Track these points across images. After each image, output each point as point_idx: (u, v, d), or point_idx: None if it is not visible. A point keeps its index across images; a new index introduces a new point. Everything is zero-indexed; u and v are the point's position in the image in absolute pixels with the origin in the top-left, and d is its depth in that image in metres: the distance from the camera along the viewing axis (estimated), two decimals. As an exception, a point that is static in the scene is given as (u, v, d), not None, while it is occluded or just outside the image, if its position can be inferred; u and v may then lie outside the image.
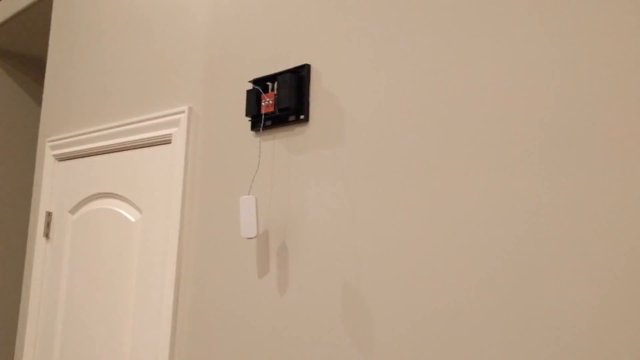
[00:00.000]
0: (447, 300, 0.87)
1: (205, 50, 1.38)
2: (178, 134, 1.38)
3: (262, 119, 1.19)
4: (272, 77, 1.19)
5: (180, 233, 1.34)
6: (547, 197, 0.79)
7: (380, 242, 0.97)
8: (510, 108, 0.84)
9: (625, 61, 0.75)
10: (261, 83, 1.20)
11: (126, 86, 1.63)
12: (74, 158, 1.83)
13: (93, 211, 1.69)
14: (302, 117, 1.13)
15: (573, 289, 0.75)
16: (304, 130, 1.13)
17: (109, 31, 1.75)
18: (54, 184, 1.92)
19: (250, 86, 1.26)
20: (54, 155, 1.91)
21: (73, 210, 1.79)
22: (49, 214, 1.90)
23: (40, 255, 1.89)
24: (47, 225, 1.89)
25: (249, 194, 1.20)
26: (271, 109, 1.16)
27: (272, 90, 1.18)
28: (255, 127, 1.22)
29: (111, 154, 1.64)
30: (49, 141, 1.95)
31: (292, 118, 1.15)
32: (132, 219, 1.52)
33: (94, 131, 1.70)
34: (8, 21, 2.39)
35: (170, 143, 1.43)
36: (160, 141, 1.45)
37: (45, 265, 1.87)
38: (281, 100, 1.13)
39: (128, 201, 1.55)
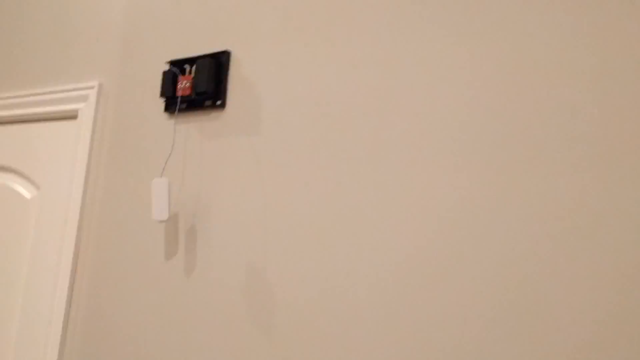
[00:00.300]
0: (350, 288, 0.92)
1: (122, 27, 1.34)
2: (86, 109, 1.33)
3: (177, 102, 1.18)
4: (191, 60, 1.18)
5: (81, 212, 1.29)
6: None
7: (288, 228, 1.01)
8: (428, 100, 0.91)
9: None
10: (179, 65, 1.19)
11: (34, 56, 1.53)
12: (-38, 127, 1.69)
13: (-18, 185, 1.57)
14: (218, 102, 1.14)
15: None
16: (220, 115, 1.14)
17: (11, -6, 1.63)
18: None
19: (166, 67, 1.24)
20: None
21: (-42, 183, 1.66)
22: None
23: None
24: None
25: (161, 177, 1.19)
26: (188, 92, 1.15)
27: (190, 73, 1.18)
28: (169, 109, 1.21)
29: (10, 125, 1.54)
30: None
31: (208, 103, 1.15)
32: (28, 196, 1.44)
33: (-11, 100, 1.58)
34: None
35: (76, 118, 1.37)
36: (65, 116, 1.39)
37: None
38: (199, 84, 1.13)
39: (24, 176, 1.47)
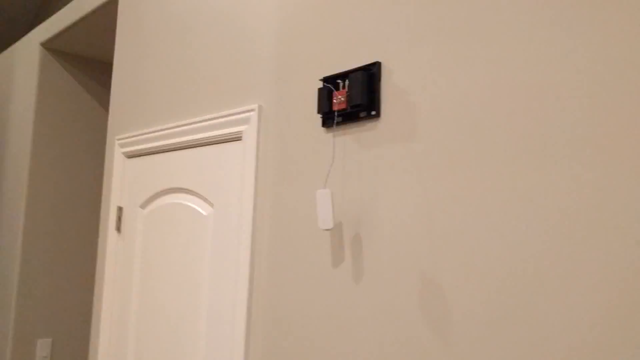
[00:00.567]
0: (524, 294, 0.90)
1: (275, 49, 1.44)
2: (249, 130, 1.45)
3: (334, 116, 1.24)
4: (343, 75, 1.23)
5: (254, 225, 1.40)
6: None
7: (455, 234, 1.01)
8: (585, 105, 0.87)
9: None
10: (331, 81, 1.25)
11: (195, 85, 1.71)
12: (143, 155, 1.93)
13: (164, 205, 1.78)
14: (373, 113, 1.18)
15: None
16: (376, 125, 1.18)
17: (176, 32, 1.83)
18: (123, 180, 2.02)
19: (320, 84, 1.31)
20: (123, 153, 2.02)
21: (144, 205, 1.89)
22: (120, 209, 2.01)
23: (112, 247, 2.00)
24: (119, 219, 2.00)
25: (324, 188, 1.26)
26: (343, 106, 1.21)
27: (343, 87, 1.23)
28: (326, 123, 1.27)
29: (180, 151, 1.73)
30: (118, 139, 2.05)
31: (363, 114, 1.19)
32: (204, 213, 1.60)
33: (163, 129, 1.79)
34: (74, 25, 2.51)
35: (240, 140, 1.49)
36: (230, 138, 1.52)
37: (118, 257, 1.98)
38: (353, 97, 1.18)
39: (199, 195, 1.63)
